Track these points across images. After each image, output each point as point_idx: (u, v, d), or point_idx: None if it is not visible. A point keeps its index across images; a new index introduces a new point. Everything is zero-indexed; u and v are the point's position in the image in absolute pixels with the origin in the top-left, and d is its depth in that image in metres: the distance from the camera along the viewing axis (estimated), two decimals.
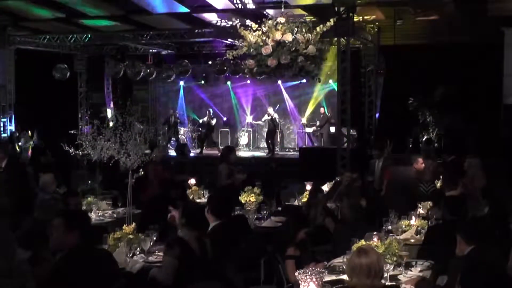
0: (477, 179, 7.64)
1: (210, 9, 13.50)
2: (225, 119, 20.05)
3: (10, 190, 7.27)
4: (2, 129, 15.92)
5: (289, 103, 19.73)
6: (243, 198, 7.62)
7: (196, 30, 15.16)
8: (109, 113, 18.95)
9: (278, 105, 18.84)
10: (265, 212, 7.58)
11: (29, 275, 4.09)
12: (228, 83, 19.72)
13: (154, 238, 5.60)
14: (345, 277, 4.25)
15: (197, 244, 5.07)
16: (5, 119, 16.10)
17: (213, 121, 18.65)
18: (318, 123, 17.69)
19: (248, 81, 19.21)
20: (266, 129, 18.20)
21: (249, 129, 19.43)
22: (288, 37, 7.52)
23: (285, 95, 19.62)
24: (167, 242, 5.09)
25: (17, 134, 16.22)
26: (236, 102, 20.41)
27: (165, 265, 4.89)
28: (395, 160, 10.67)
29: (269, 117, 17.80)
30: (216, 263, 5.29)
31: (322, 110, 17.76)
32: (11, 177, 7.48)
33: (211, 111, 18.96)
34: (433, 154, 11.46)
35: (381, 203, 8.49)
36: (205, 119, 18.85)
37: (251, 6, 12.72)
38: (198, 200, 8.88)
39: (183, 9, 13.33)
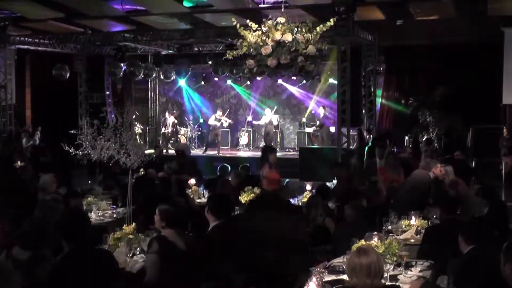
0: (458, 183, 7.66)
1: (210, 9, 13.50)
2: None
3: None
4: (2, 128, 15.93)
5: (289, 102, 19.76)
6: (243, 198, 7.62)
7: (196, 30, 15.17)
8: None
9: (276, 107, 18.86)
10: None
11: (11, 273, 4.09)
12: (228, 83, 19.72)
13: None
14: (345, 277, 4.25)
15: (180, 239, 5.15)
16: (5, 119, 16.10)
17: (226, 123, 18.49)
18: (318, 123, 17.69)
19: (248, 82, 19.22)
20: (264, 129, 18.18)
21: (249, 129, 19.43)
22: (288, 37, 7.52)
23: (285, 95, 19.64)
24: (148, 242, 5.20)
25: (18, 134, 16.23)
26: (236, 102, 20.42)
27: (147, 263, 5.01)
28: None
29: (268, 117, 17.80)
30: (216, 263, 5.30)
31: (321, 110, 17.76)
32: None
33: (220, 112, 18.71)
34: (434, 154, 11.48)
35: (382, 204, 8.48)
36: (215, 119, 18.60)
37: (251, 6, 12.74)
38: (198, 200, 8.88)
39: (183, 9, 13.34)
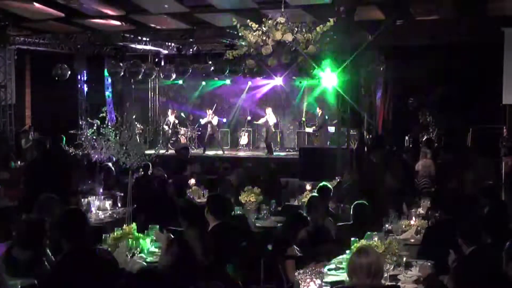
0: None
1: (210, 9, 13.48)
2: (225, 120, 20.05)
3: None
4: (2, 129, 15.90)
5: (289, 102, 19.78)
6: (243, 198, 7.62)
7: (196, 30, 15.17)
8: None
9: (277, 104, 18.90)
10: (265, 212, 7.59)
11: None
12: (228, 82, 19.73)
13: (154, 238, 5.62)
14: (345, 277, 4.25)
15: (200, 245, 5.11)
16: (5, 119, 16.08)
17: (215, 121, 18.52)
18: (317, 123, 17.70)
19: (250, 82, 19.26)
20: (265, 129, 18.18)
21: (249, 129, 19.43)
22: (288, 37, 7.51)
23: (285, 95, 19.66)
24: (170, 239, 5.16)
25: (17, 134, 16.22)
26: (236, 101, 20.43)
27: (162, 261, 5.00)
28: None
29: (267, 117, 17.79)
30: (216, 263, 5.29)
31: (319, 110, 17.76)
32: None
33: (211, 111, 18.83)
34: (430, 153, 11.50)
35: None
36: (206, 119, 18.77)
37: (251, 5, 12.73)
38: (198, 200, 8.88)
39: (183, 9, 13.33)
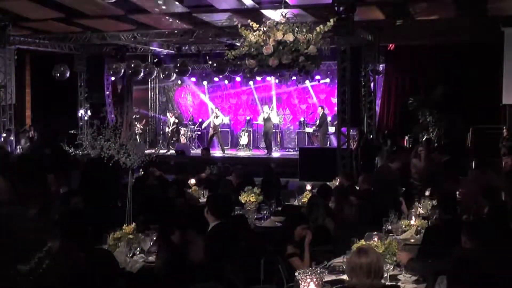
0: None
1: (210, 9, 13.49)
2: (227, 120, 20.07)
3: None
4: (2, 129, 15.90)
5: (289, 102, 19.78)
6: (243, 198, 7.61)
7: (196, 30, 15.17)
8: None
9: (272, 106, 18.92)
10: (265, 212, 7.58)
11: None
12: (227, 82, 19.75)
13: (154, 238, 5.61)
14: (345, 277, 4.25)
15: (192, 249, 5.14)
16: (5, 119, 16.08)
17: (217, 121, 18.49)
18: (317, 122, 17.70)
19: (250, 82, 19.26)
20: (263, 128, 18.18)
21: (249, 129, 19.44)
22: (289, 37, 7.49)
23: (285, 95, 19.67)
24: (159, 244, 5.19)
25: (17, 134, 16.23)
26: (236, 101, 20.44)
27: (156, 266, 5.02)
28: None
29: (266, 116, 17.79)
30: (216, 263, 5.29)
31: (319, 110, 17.77)
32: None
33: (216, 110, 18.80)
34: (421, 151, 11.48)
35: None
36: (209, 119, 18.76)
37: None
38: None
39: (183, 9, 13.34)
